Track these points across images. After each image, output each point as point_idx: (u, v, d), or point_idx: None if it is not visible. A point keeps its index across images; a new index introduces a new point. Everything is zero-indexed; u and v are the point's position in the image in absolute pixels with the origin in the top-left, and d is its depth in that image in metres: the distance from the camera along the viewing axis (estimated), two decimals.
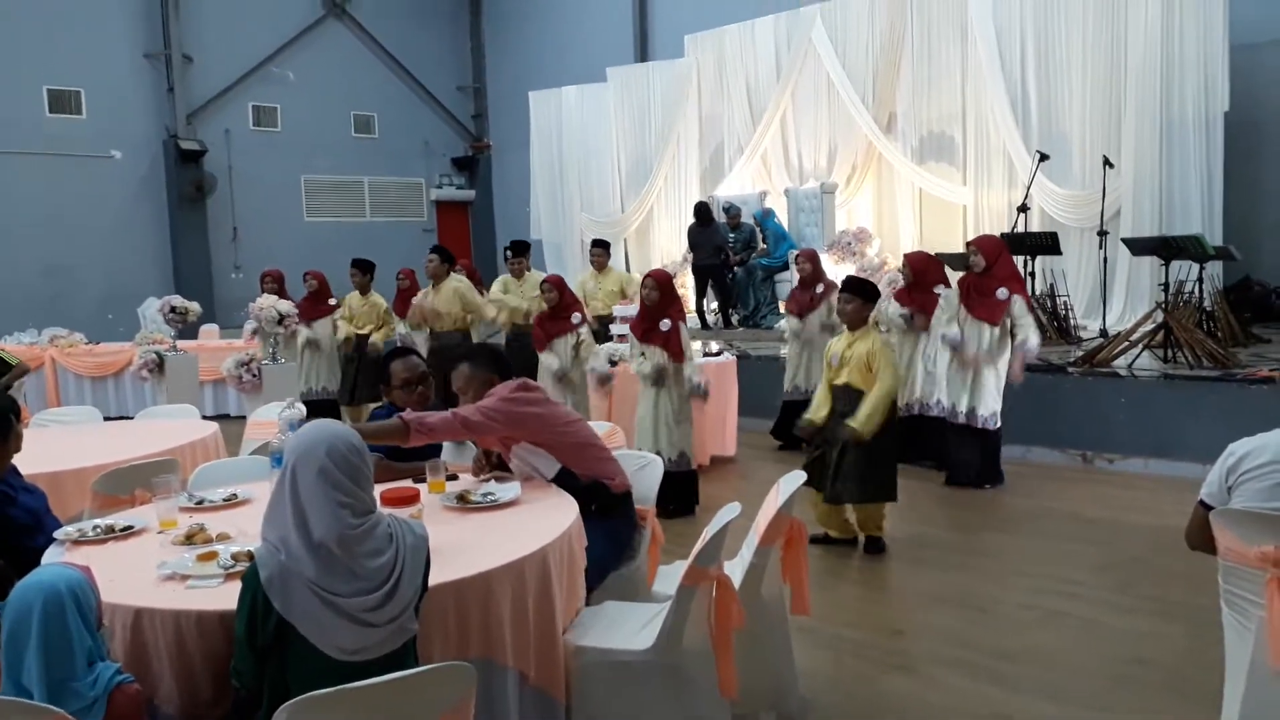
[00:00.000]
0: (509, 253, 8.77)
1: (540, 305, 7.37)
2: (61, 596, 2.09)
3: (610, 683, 2.90)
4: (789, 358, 7.88)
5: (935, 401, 6.88)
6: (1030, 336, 6.29)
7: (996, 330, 6.37)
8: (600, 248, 9.07)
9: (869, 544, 5.34)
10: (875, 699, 3.70)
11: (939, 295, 6.81)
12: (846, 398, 5.11)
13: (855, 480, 5.09)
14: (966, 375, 6.44)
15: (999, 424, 6.47)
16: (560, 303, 7.18)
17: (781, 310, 8.09)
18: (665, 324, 6.03)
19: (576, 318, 7.18)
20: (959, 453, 6.61)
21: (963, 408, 6.46)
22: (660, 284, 6.15)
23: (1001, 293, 6.32)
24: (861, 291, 5.22)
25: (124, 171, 14.90)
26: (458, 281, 8.35)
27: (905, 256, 7.43)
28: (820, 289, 7.64)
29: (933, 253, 7.70)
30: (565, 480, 3.52)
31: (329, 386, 8.81)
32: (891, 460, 5.24)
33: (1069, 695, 3.64)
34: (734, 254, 11.55)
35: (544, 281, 7.40)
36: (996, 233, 8.75)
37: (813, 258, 7.93)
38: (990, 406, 6.41)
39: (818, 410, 5.26)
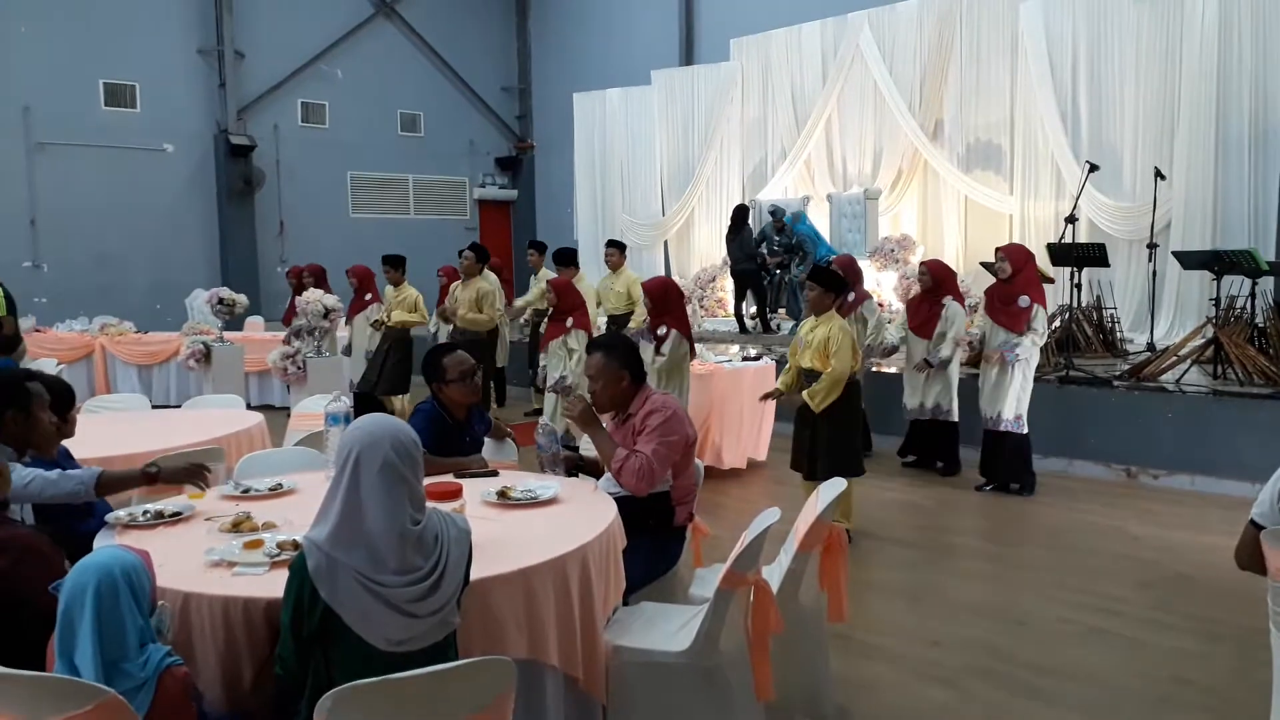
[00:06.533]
0: (534, 252, 9.43)
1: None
2: (115, 578, 2.13)
3: (646, 683, 2.91)
4: None
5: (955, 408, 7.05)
6: (1027, 344, 6.32)
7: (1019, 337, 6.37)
8: (614, 247, 8.99)
9: None
10: (911, 709, 3.67)
11: (943, 306, 6.92)
12: (809, 380, 5.44)
13: (825, 457, 5.39)
14: (990, 381, 6.47)
15: (1025, 428, 6.44)
16: (558, 306, 7.23)
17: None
18: (662, 330, 6.34)
19: (570, 322, 7.19)
20: (991, 457, 6.69)
21: (991, 413, 6.49)
22: (649, 293, 6.52)
23: (1023, 300, 6.33)
24: (824, 281, 5.55)
25: (175, 164, 15.16)
26: (484, 282, 8.43)
27: (925, 263, 7.39)
28: (851, 297, 7.57)
29: (978, 262, 7.63)
30: (651, 500, 3.57)
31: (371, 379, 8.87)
32: (855, 438, 5.62)
33: (1108, 713, 3.59)
34: (772, 257, 11.47)
35: (547, 283, 7.56)
36: (1043, 243, 8.65)
37: (846, 264, 7.84)
38: (1014, 410, 6.40)
39: (784, 379, 5.78)
